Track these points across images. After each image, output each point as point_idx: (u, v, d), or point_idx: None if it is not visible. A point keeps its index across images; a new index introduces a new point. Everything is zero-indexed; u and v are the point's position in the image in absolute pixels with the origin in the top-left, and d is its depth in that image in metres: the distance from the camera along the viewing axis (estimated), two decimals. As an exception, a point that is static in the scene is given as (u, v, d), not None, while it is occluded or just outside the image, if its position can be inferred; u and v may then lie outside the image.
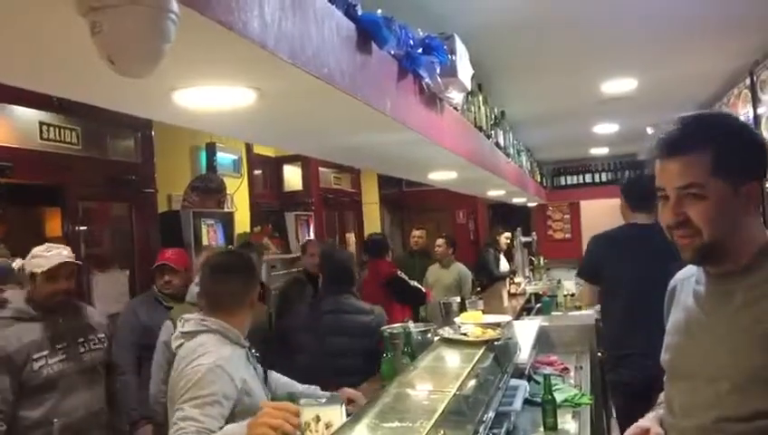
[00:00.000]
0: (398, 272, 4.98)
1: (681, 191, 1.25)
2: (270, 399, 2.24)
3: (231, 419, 1.95)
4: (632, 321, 3.15)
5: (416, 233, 6.95)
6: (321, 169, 7.34)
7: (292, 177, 7.12)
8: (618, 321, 3.37)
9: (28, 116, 3.68)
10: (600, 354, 4.55)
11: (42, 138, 3.77)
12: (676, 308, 1.41)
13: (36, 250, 2.81)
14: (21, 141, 3.63)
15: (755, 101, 4.25)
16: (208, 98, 1.46)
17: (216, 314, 2.14)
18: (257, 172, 6.38)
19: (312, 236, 6.81)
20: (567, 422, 2.85)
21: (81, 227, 4.07)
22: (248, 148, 5.94)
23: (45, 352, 2.68)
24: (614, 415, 4.33)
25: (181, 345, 2.13)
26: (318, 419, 2.03)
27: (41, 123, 3.76)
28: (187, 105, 1.50)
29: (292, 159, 6.90)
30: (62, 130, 3.91)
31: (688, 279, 1.41)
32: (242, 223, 5.73)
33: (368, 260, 5.29)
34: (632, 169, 10.11)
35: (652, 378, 1.57)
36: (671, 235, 1.30)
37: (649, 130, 7.34)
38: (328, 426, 2.01)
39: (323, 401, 2.09)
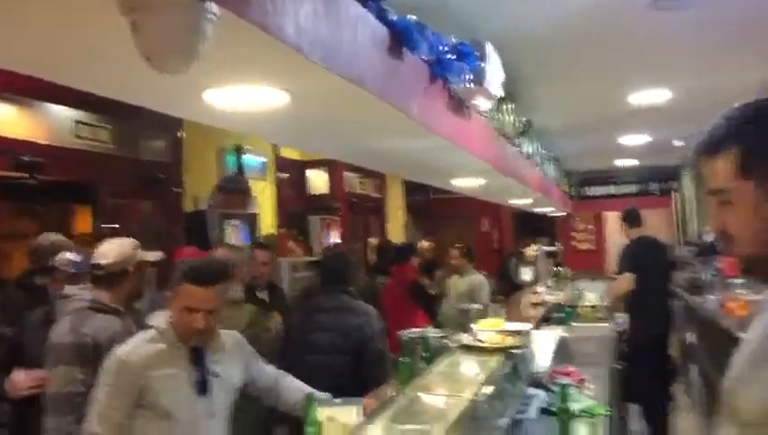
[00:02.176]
0: (420, 278, 5.01)
1: (712, 198, 1.10)
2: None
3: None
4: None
5: (424, 244, 6.73)
6: (345, 173, 7.37)
7: (318, 180, 7.17)
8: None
9: (64, 114, 3.77)
10: (618, 367, 4.52)
11: (76, 136, 3.86)
12: None
13: (127, 241, 2.70)
14: (55, 139, 3.71)
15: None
16: (240, 98, 1.50)
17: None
18: (283, 175, 6.43)
19: (336, 240, 6.85)
20: (582, 433, 2.83)
21: (112, 225, 4.15)
22: (275, 151, 6.01)
23: None
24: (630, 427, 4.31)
25: None
26: (332, 419, 2.07)
27: (76, 121, 3.85)
28: (219, 105, 1.55)
29: (317, 164, 6.95)
30: (95, 129, 4.00)
31: None
32: (267, 225, 5.79)
33: (393, 266, 5.32)
34: (659, 181, 10.02)
35: None
36: None
37: (676, 143, 7.27)
38: (342, 427, 2.04)
39: (339, 401, 2.12)
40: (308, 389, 2.47)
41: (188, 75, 1.00)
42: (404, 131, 1.94)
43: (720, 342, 4.65)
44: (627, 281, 5.16)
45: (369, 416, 2.13)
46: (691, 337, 6.19)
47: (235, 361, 2.31)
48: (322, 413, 2.07)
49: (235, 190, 4.91)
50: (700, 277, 6.37)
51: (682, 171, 9.86)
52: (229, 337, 2.31)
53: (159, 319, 2.19)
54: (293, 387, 2.50)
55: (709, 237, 6.94)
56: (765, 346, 1.07)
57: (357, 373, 3.12)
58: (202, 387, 2.14)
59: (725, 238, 1.10)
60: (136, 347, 2.11)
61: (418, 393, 2.40)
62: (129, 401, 2.05)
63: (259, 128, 2.10)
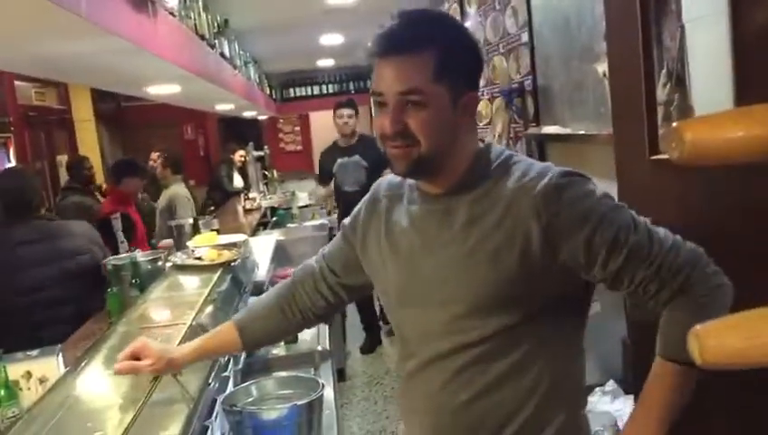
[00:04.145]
0: (113, 216, 4.43)
1: (401, 97, 1.09)
2: None
3: None
4: None
5: (153, 156, 6.09)
6: (17, 82, 6.32)
7: (-19, 93, 6.02)
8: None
9: None
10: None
11: None
12: (387, 230, 1.27)
13: None
14: None
15: (463, 16, 4.57)
16: None
17: None
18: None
19: (13, 162, 5.92)
20: (306, 332, 2.89)
21: None
22: None
23: None
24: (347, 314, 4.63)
25: None
26: (29, 375, 1.79)
27: None
28: None
29: (-23, 72, 5.80)
30: None
31: (396, 197, 1.28)
32: None
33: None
34: (356, 80, 10.49)
35: None
36: (384, 144, 1.16)
37: (368, 43, 7.61)
38: (42, 381, 1.78)
39: (35, 353, 1.83)
40: None
41: None
42: (72, 33, 1.60)
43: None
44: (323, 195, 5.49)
45: (75, 364, 1.88)
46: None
47: None
48: (16, 370, 1.77)
49: None
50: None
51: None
52: None
53: None
54: None
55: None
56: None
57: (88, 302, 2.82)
58: None
59: (402, 139, 1.11)
60: None
61: (132, 327, 2.20)
62: None
63: None
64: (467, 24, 4.47)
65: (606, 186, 2.12)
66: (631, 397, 2.07)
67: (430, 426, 1.21)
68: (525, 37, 3.08)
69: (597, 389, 2.31)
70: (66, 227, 3.02)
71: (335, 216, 5.90)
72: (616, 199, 1.15)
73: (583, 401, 1.25)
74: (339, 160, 4.71)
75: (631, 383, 2.06)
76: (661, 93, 1.67)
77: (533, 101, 3.01)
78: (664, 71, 1.67)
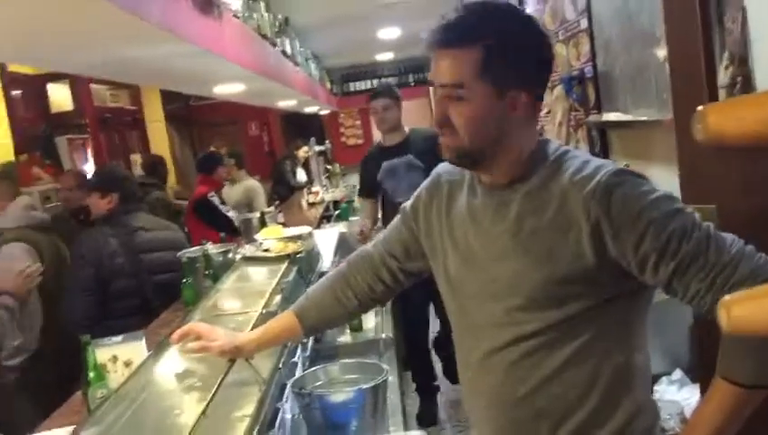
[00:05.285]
0: (210, 194, 4.77)
1: (443, 90, 1.13)
2: None
3: None
4: None
5: (222, 151, 6.09)
6: (93, 85, 6.62)
7: (60, 96, 6.35)
8: None
9: None
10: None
11: None
12: (448, 217, 1.28)
13: None
14: None
15: (522, 4, 4.51)
16: None
17: None
18: (15, 93, 5.59)
19: (91, 162, 6.24)
20: (370, 321, 2.98)
21: None
22: (1, 66, 5.15)
23: None
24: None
25: None
26: (115, 359, 1.92)
27: None
28: None
29: (57, 77, 6.12)
30: None
31: (457, 184, 1.29)
32: (3, 151, 5.04)
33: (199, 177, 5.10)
34: (415, 72, 10.49)
35: None
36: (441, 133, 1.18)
37: (423, 35, 7.62)
38: (128, 364, 1.91)
39: (119, 339, 1.96)
40: None
41: None
42: (145, 38, 1.70)
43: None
44: (366, 210, 4.02)
45: (156, 349, 2.01)
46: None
47: None
48: (104, 355, 1.91)
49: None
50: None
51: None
52: None
53: None
54: None
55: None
56: None
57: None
58: None
59: (447, 128, 1.14)
60: None
61: (206, 315, 2.32)
62: None
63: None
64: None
65: (669, 173, 2.09)
66: (698, 386, 2.04)
67: (494, 421, 1.22)
68: (585, 23, 3.04)
69: (663, 378, 2.28)
70: (164, 222, 3.27)
71: None
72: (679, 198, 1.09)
73: (650, 390, 1.22)
74: (384, 165, 3.60)
75: (698, 372, 2.01)
76: (723, 76, 1.64)
77: (594, 87, 2.97)
78: (726, 53, 1.64)
